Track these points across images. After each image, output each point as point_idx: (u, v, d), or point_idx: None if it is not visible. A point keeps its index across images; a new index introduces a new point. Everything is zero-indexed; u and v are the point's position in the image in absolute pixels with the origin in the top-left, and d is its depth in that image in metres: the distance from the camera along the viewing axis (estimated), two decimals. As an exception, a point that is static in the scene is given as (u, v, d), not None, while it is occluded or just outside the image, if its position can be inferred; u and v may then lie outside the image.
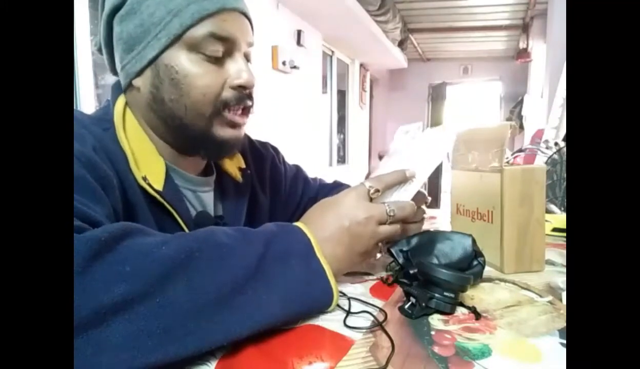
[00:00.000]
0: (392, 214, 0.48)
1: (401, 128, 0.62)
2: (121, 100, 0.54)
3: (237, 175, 0.65)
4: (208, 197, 0.61)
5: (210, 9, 0.49)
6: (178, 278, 0.31)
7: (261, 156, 0.73)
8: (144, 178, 0.50)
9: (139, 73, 0.51)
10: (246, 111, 0.55)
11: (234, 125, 0.54)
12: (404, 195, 0.52)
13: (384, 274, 0.56)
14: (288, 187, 0.78)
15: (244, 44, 0.53)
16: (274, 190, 0.74)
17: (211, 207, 0.61)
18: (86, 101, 1.70)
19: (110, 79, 1.94)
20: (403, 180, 0.52)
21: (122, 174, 0.48)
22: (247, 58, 0.55)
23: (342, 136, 5.27)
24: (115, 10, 0.51)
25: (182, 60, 0.50)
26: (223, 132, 0.53)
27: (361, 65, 5.47)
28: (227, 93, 0.52)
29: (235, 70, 0.52)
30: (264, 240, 0.39)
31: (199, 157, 0.58)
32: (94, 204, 0.38)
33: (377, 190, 0.49)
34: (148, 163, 0.52)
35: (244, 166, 0.66)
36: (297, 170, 0.82)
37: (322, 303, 0.41)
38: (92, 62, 1.72)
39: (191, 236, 0.35)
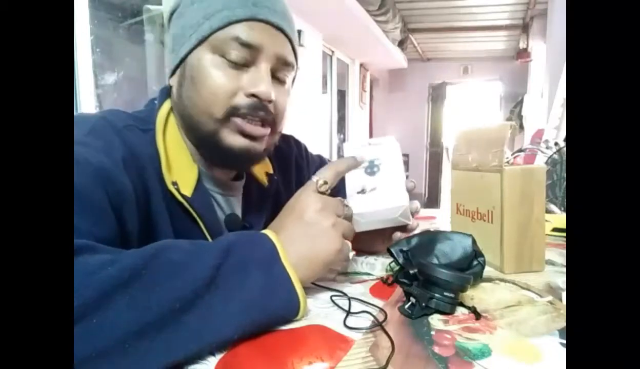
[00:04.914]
0: (347, 204, 0.50)
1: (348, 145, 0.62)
2: (167, 105, 0.55)
3: (264, 180, 0.65)
4: (237, 201, 0.62)
5: (239, 16, 0.50)
6: (119, 297, 0.30)
7: (285, 155, 0.73)
8: (174, 183, 0.51)
9: (174, 72, 0.54)
10: (263, 123, 0.53)
11: (246, 135, 0.52)
12: (367, 200, 0.55)
13: (384, 274, 0.56)
14: None
15: (272, 56, 0.52)
16: (298, 188, 0.74)
17: (239, 211, 0.62)
18: (86, 101, 1.70)
19: (110, 79, 1.95)
20: (355, 165, 0.54)
21: (150, 182, 0.49)
22: (277, 76, 0.54)
23: (342, 136, 5.26)
24: (172, 13, 0.55)
25: (205, 60, 0.51)
26: (232, 139, 0.52)
27: (361, 65, 5.46)
28: (240, 100, 0.51)
29: (253, 78, 0.51)
30: (222, 250, 0.37)
31: (221, 168, 0.58)
32: (91, 225, 0.37)
33: (325, 182, 0.49)
34: (181, 168, 0.53)
35: (271, 171, 0.67)
36: (320, 163, 0.82)
37: (288, 310, 0.39)
38: (92, 62, 1.72)
39: (142, 253, 0.34)
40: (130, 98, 2.11)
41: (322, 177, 0.49)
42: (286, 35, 0.54)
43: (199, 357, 0.34)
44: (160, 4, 2.13)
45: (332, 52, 4.64)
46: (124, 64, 2.09)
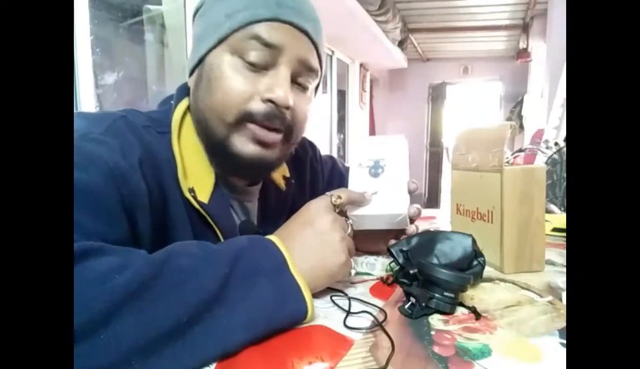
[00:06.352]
0: (351, 224, 0.50)
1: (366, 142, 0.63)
2: (182, 105, 0.53)
3: (282, 184, 0.64)
4: (253, 206, 0.61)
5: (262, 16, 0.48)
6: (127, 311, 0.29)
7: (300, 159, 0.72)
8: (191, 190, 0.49)
9: (192, 72, 0.52)
10: (277, 131, 0.50)
11: (258, 142, 0.49)
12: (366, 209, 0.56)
13: (384, 274, 0.56)
14: (325, 185, 0.77)
15: (293, 59, 0.49)
16: (312, 192, 0.74)
17: (255, 216, 0.61)
18: (86, 101, 1.70)
19: (110, 79, 1.94)
20: (363, 201, 0.54)
21: (167, 185, 0.48)
22: (298, 81, 0.51)
23: (342, 136, 5.26)
24: (196, 12, 0.54)
25: (223, 61, 0.49)
26: (243, 145, 0.49)
27: (361, 65, 5.46)
28: (256, 105, 0.48)
29: (271, 82, 0.48)
30: (231, 258, 0.37)
31: (234, 176, 0.56)
32: (103, 225, 0.37)
33: (340, 197, 0.50)
34: (198, 173, 0.51)
35: (288, 175, 0.66)
36: (333, 164, 0.82)
37: (295, 318, 0.39)
38: (92, 62, 1.72)
39: (151, 260, 0.33)
40: (131, 98, 2.11)
41: (337, 194, 0.50)
42: (311, 39, 0.51)
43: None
44: (160, 4, 2.13)
45: (332, 52, 4.63)
46: (124, 64, 2.09)
